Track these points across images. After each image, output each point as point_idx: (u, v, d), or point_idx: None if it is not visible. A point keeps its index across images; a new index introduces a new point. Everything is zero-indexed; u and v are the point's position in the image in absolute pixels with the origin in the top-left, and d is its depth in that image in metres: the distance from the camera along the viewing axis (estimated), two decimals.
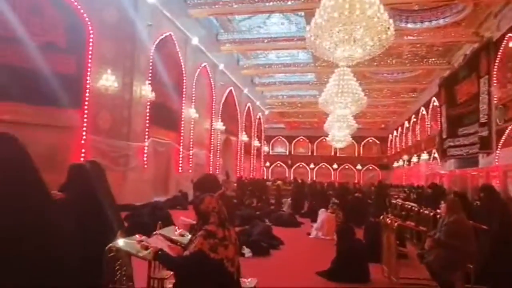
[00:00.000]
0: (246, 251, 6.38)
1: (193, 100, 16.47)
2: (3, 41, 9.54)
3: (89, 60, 10.72)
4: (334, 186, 20.32)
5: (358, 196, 12.63)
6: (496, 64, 13.64)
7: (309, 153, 40.89)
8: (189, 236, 2.84)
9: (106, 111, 11.04)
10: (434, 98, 22.37)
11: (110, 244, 2.50)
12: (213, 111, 19.38)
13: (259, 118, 30.13)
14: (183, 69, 15.45)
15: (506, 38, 12.90)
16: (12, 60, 9.63)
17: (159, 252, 2.34)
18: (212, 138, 19.31)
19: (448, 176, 14.05)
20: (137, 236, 2.76)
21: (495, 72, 13.73)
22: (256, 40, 18.48)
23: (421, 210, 8.32)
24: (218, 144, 20.19)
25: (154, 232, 2.98)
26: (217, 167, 19.84)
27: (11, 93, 9.44)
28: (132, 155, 11.59)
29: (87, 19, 10.67)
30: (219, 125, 19.72)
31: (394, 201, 12.17)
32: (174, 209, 11.01)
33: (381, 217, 5.96)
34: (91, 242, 2.52)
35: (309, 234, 9.18)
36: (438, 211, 6.96)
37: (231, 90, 22.17)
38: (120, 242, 2.67)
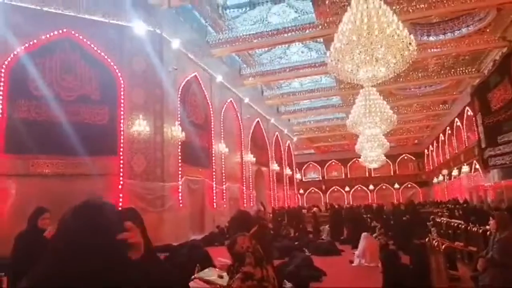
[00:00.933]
0: (288, 286, 6.21)
1: (222, 136, 16.76)
2: (39, 100, 10.23)
3: (122, 109, 11.27)
4: (372, 208, 19.68)
5: (407, 220, 12.04)
6: None
7: (343, 176, 40.07)
8: (227, 277, 2.82)
9: (140, 155, 11.42)
10: (467, 108, 21.61)
11: None
12: (242, 144, 19.59)
13: (288, 146, 30.10)
14: (210, 106, 15.87)
15: None
16: (49, 116, 10.29)
17: None
18: (244, 170, 19.41)
19: (493, 188, 13.26)
20: None
21: None
22: (278, 71, 18.83)
23: (469, 228, 7.85)
24: (250, 176, 20.23)
25: (193, 276, 2.98)
26: (251, 199, 19.78)
27: (50, 147, 10.09)
28: (167, 196, 11.80)
29: (117, 71, 11.32)
30: (250, 157, 19.84)
31: (439, 220, 11.58)
32: (211, 246, 10.97)
33: (427, 239, 5.68)
34: None
35: (351, 262, 8.83)
36: (488, 227, 6.56)
37: (258, 121, 22.43)
38: None
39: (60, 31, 10.71)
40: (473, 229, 7.57)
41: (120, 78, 11.35)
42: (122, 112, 11.27)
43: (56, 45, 10.68)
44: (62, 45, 10.77)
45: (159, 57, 12.05)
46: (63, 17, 10.67)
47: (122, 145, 11.08)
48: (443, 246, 5.03)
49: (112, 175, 10.81)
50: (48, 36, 10.52)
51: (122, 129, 11.17)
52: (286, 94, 22.96)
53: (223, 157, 16.56)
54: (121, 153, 11.03)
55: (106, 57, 11.25)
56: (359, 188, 38.72)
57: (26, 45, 10.17)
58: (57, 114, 10.29)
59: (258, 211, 11.62)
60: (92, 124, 10.88)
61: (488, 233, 6.24)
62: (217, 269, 3.42)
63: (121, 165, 10.93)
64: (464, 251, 7.29)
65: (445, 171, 28.18)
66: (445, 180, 28.62)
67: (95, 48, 11.13)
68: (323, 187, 39.61)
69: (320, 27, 14.15)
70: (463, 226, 8.39)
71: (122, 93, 11.34)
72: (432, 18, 14.31)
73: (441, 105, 26.04)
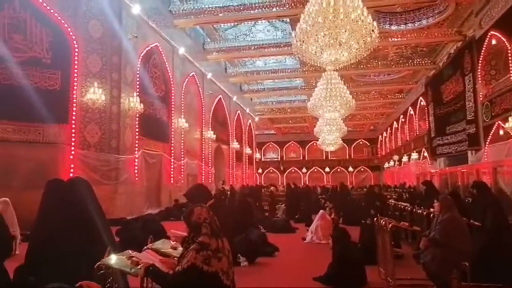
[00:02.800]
0: (242, 260, 6.30)
1: (183, 110, 16.40)
2: None
3: (75, 75, 10.61)
4: (327, 189, 20.36)
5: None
6: (480, 61, 13.85)
7: (301, 158, 40.98)
8: (181, 248, 2.78)
9: (94, 125, 10.91)
10: (421, 98, 22.64)
11: (99, 262, 2.44)
12: (203, 120, 19.31)
13: (250, 125, 30.13)
14: (171, 79, 15.40)
15: (488, 36, 13.11)
16: None
17: (150, 268, 2.28)
18: (203, 147, 19.22)
19: (439, 174, 14.16)
20: (129, 251, 2.71)
21: (479, 70, 13.93)
22: (243, 48, 18.52)
23: (414, 210, 8.34)
24: (210, 153, 20.10)
25: (145, 247, 2.92)
26: (210, 176, 19.73)
27: None
28: (123, 168, 11.45)
29: (71, 33, 10.58)
30: (210, 134, 19.66)
31: (387, 202, 12.19)
32: (167, 221, 10.89)
33: (375, 219, 5.95)
34: (79, 258, 2.47)
35: (304, 239, 9.13)
36: (432, 210, 6.99)
37: (220, 98, 22.15)
38: (112, 258, 2.61)
39: None
40: (418, 211, 8.05)
41: (75, 42, 10.62)
42: (75, 79, 10.60)
43: (3, 0, 9.76)
44: (10, 1, 9.86)
45: (118, 21, 11.40)
46: None
47: (74, 113, 10.49)
48: (390, 226, 5.29)
49: (63, 144, 10.26)
50: None
51: (75, 96, 10.54)
52: (250, 72, 22.75)
53: (182, 132, 16.26)
54: (73, 122, 10.44)
55: (60, 18, 10.45)
56: (315, 170, 39.85)
57: None
58: (3, 76, 9.53)
59: (243, 187, 11.56)
60: (42, 89, 10.16)
61: (431, 215, 6.65)
62: (171, 242, 3.37)
63: (73, 134, 10.38)
64: (408, 231, 7.74)
65: (396, 157, 29.61)
66: (395, 166, 30.13)
67: (48, 8, 10.30)
68: (281, 167, 40.34)
69: (287, 6, 14.02)
70: (409, 208, 8.89)
71: (76, 58, 10.65)
72: (396, 7, 14.63)
73: (397, 94, 27.06)
